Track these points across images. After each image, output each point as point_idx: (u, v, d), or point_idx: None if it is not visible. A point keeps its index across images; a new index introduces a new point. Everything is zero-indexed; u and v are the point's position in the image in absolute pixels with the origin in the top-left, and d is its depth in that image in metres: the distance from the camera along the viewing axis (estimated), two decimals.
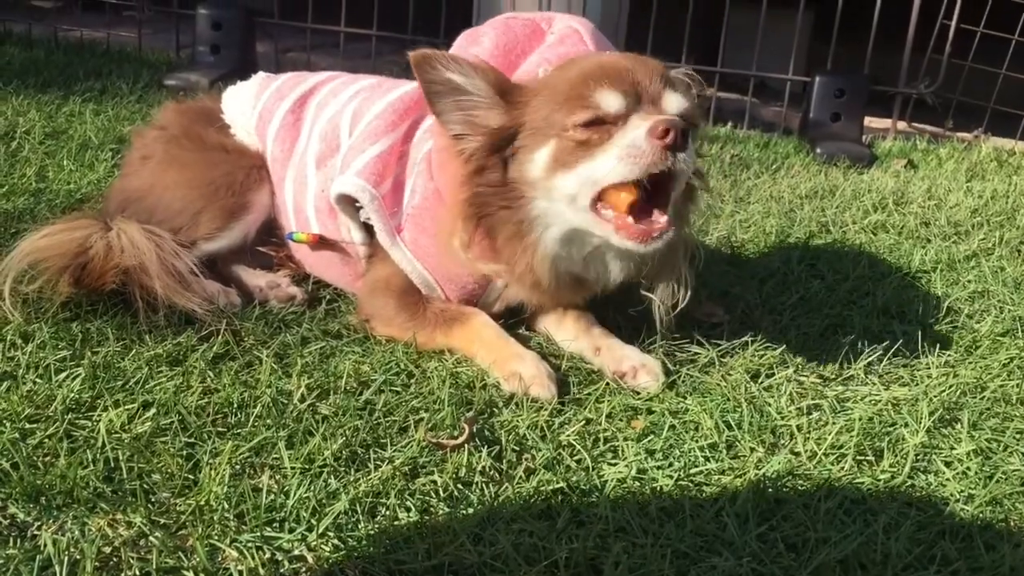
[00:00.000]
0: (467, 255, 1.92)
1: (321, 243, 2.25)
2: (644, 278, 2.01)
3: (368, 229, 2.15)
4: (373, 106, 2.19)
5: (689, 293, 1.99)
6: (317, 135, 2.25)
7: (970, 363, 2.20)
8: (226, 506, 1.49)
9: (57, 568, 1.33)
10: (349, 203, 2.12)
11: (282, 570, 1.40)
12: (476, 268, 1.99)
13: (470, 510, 1.55)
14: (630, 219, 1.78)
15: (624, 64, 1.85)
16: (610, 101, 1.79)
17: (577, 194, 1.82)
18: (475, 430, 1.75)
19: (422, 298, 2.13)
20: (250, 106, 2.37)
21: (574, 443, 1.77)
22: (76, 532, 1.41)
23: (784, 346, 2.18)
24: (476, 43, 2.04)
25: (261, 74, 2.51)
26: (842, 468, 1.74)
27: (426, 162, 2.08)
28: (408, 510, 1.54)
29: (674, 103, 1.83)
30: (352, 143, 2.15)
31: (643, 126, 1.74)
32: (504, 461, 1.70)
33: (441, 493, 1.59)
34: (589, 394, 1.95)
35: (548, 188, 1.85)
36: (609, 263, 1.98)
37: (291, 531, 1.46)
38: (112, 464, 1.57)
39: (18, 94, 3.87)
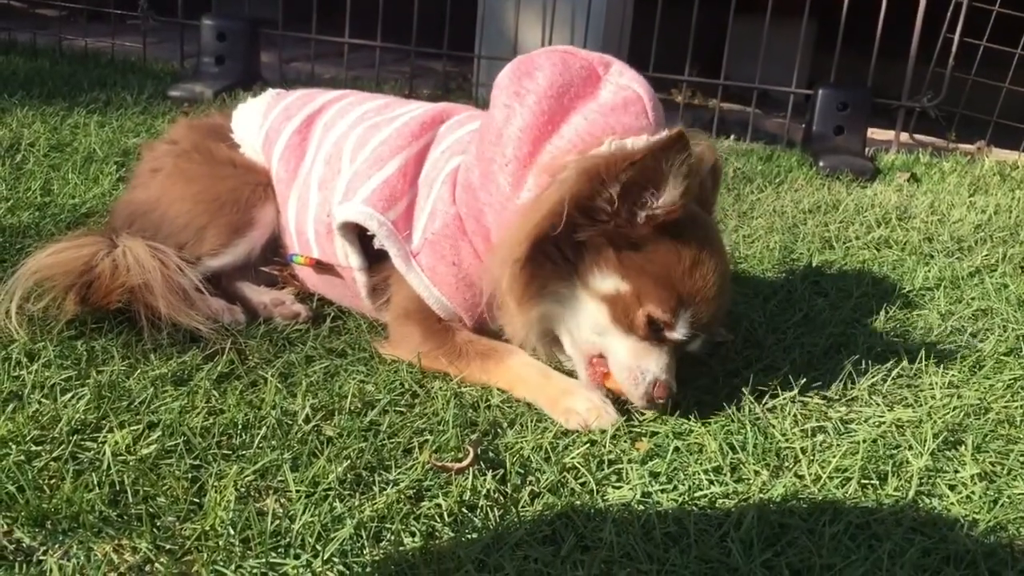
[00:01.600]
0: (511, 300, 1.90)
1: (319, 267, 2.26)
2: None
3: (368, 254, 2.14)
4: (379, 133, 2.18)
5: None
6: (322, 159, 2.25)
7: (974, 383, 2.19)
8: (231, 531, 1.49)
9: None
10: (352, 230, 2.11)
11: None
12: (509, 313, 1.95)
13: (475, 535, 1.55)
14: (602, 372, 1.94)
15: (718, 301, 1.88)
16: (679, 334, 1.86)
17: (588, 338, 1.93)
18: (479, 452, 1.75)
19: (448, 325, 2.10)
20: (257, 125, 2.37)
21: (578, 465, 1.77)
22: (82, 558, 1.41)
23: (788, 366, 2.18)
24: (529, 76, 1.93)
25: (271, 91, 2.51)
26: (847, 492, 1.74)
27: (448, 184, 2.05)
28: (413, 535, 1.54)
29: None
30: (357, 169, 2.14)
31: (658, 374, 1.87)
32: (509, 484, 1.70)
33: (446, 517, 1.59)
34: None
35: (586, 296, 1.89)
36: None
37: (296, 557, 1.45)
38: (117, 487, 1.57)
39: (23, 105, 3.88)
